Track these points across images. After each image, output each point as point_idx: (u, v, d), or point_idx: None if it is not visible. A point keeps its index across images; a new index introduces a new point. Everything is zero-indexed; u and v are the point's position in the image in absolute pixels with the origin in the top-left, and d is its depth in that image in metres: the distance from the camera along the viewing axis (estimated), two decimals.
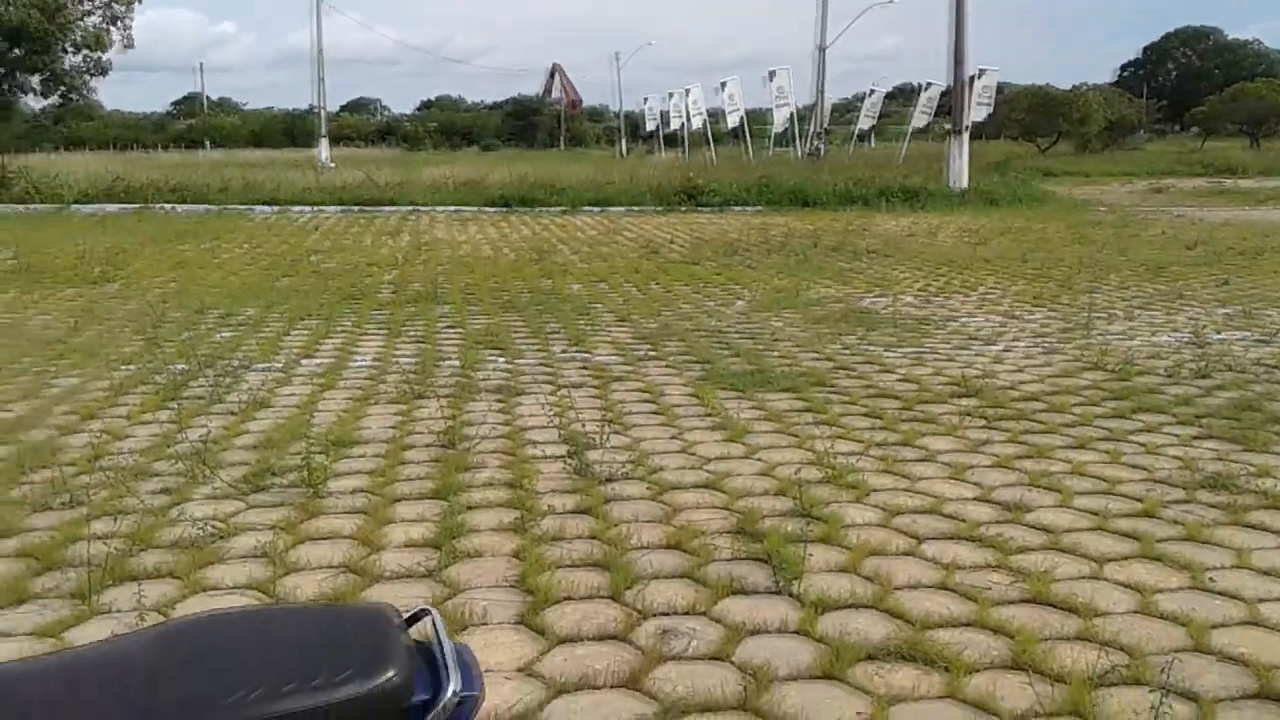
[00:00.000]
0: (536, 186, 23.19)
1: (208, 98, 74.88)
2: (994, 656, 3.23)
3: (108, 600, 3.62)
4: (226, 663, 1.59)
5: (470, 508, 4.49)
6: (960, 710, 2.94)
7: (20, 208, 19.68)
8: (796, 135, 39.13)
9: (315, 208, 20.83)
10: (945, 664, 3.15)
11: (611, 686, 3.07)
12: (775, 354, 7.71)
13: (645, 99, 49.72)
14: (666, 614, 3.52)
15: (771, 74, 36.53)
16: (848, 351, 7.82)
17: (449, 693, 1.65)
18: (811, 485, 4.71)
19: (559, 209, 21.59)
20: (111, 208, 19.76)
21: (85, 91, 19.95)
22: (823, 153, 36.66)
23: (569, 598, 3.63)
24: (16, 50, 18.05)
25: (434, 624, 1.81)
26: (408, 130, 72.04)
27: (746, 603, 3.59)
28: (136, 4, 20.25)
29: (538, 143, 68.88)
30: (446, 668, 1.69)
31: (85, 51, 19.60)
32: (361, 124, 74.69)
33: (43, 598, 3.66)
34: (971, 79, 24.67)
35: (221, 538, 4.15)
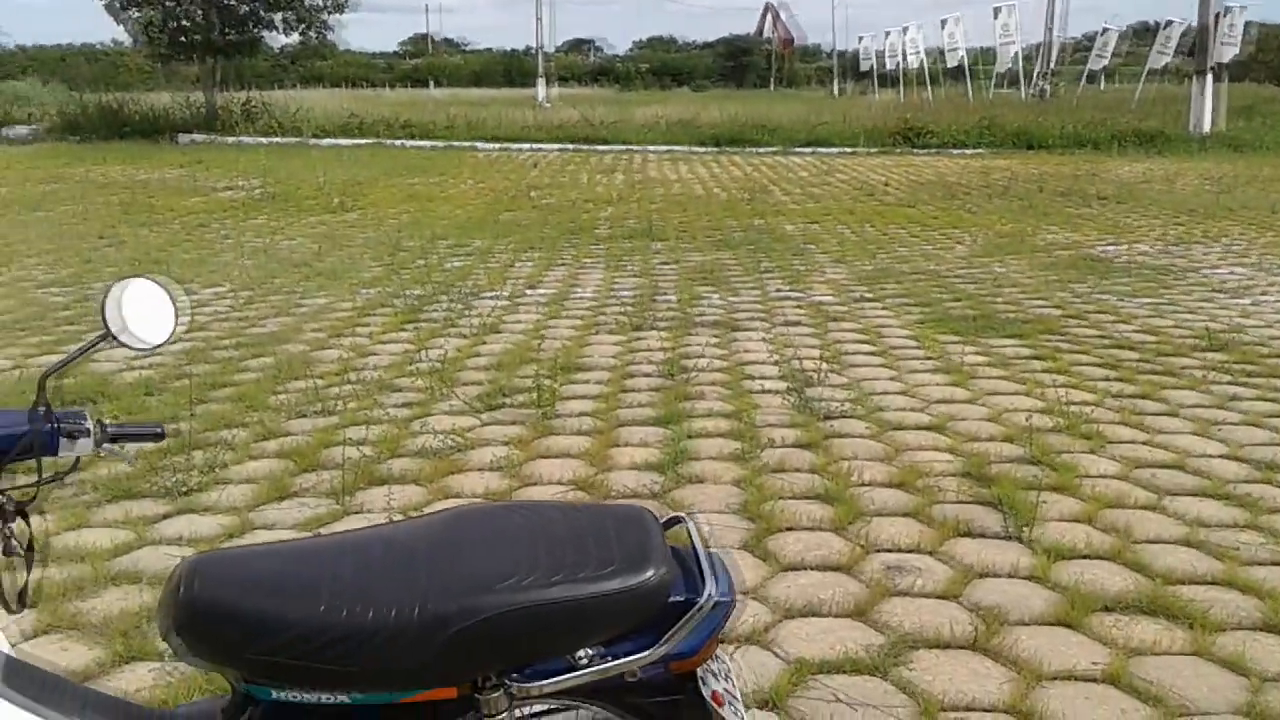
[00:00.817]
0: (748, 127, 23.00)
1: (433, 39, 77.50)
2: (1243, 617, 3.07)
3: (360, 501, 3.89)
4: (501, 549, 1.69)
5: (691, 436, 4.57)
6: (1207, 667, 2.82)
7: (264, 140, 21.01)
8: (1022, 76, 37.21)
9: (534, 145, 21.36)
10: (1190, 621, 3.02)
11: (838, 615, 3.09)
12: (1000, 300, 7.45)
13: (861, 38, 48.31)
14: (892, 550, 3.50)
15: (997, 10, 34.71)
16: (1079, 300, 7.47)
17: (707, 596, 1.71)
18: (1043, 433, 4.56)
19: (771, 150, 21.36)
20: (346, 142, 20.83)
21: (324, 29, 20.99)
22: (1050, 94, 34.77)
23: (792, 528, 3.67)
24: None
25: (690, 530, 1.87)
26: (620, 71, 72.61)
27: (975, 545, 3.53)
28: None
29: (748, 83, 68.11)
30: (705, 572, 1.75)
31: None
32: (577, 65, 75.81)
33: (302, 495, 3.97)
34: (1218, 16, 22.77)
35: (460, 450, 4.38)
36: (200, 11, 20.07)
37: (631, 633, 1.70)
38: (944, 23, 35.96)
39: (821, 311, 7.04)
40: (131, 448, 1.80)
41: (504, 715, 1.70)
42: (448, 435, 4.50)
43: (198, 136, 20.83)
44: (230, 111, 21.95)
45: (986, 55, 40.58)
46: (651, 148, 21.58)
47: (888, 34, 41.20)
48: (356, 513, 3.80)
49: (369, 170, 15.86)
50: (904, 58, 37.35)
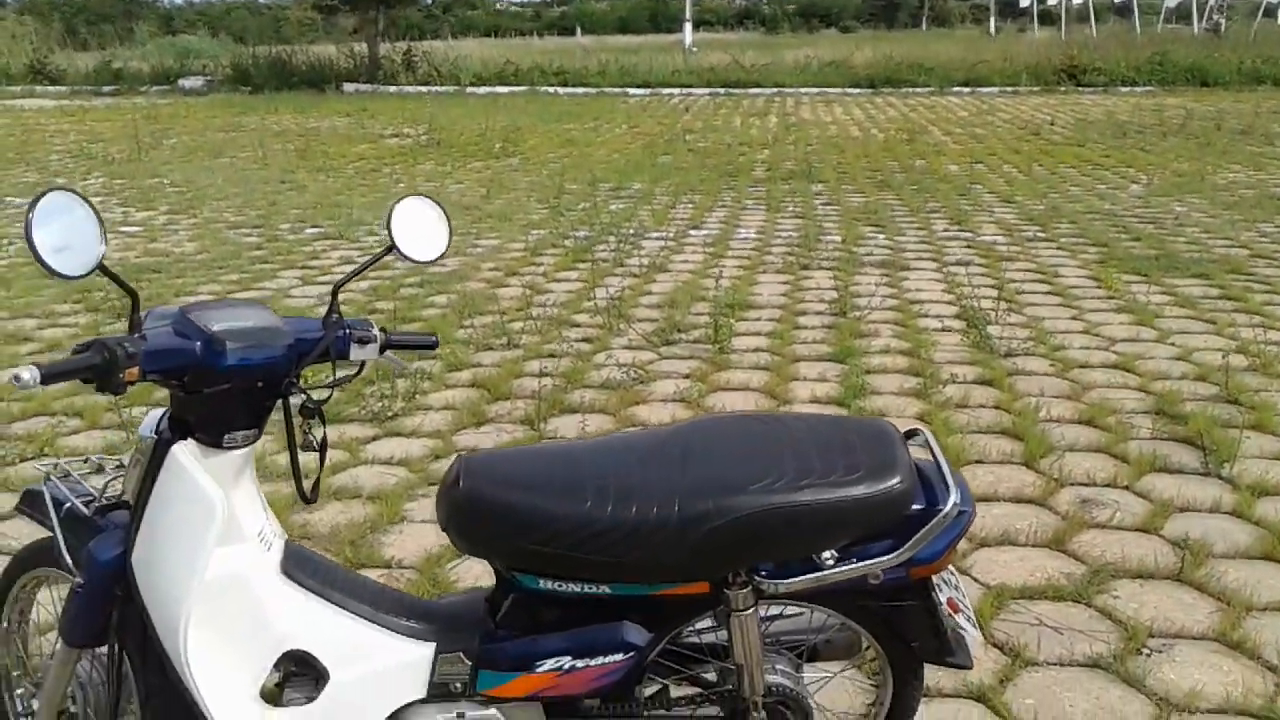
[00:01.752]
0: (902, 66, 22.39)
1: None
2: None
3: (553, 427, 4.07)
4: (751, 454, 1.78)
5: (869, 371, 4.60)
6: None
7: (424, 89, 21.51)
8: (1194, 10, 35.09)
9: (684, 90, 21.29)
10: None
11: (1034, 545, 3.10)
12: (1181, 240, 7.17)
13: None
14: (1086, 484, 3.48)
15: None
16: (1266, 240, 7.13)
17: (950, 504, 1.77)
18: (1238, 372, 4.42)
19: (927, 90, 20.79)
20: (502, 90, 21.17)
21: None
22: (1224, 29, 32.69)
23: (981, 461, 3.68)
24: None
25: (929, 442, 1.93)
26: (765, 14, 71.36)
27: (1172, 480, 3.48)
28: None
29: (899, 23, 66.06)
30: (947, 481, 1.81)
31: None
32: (721, 8, 74.85)
33: (497, 421, 4.16)
34: None
35: (642, 382, 4.51)
36: None
37: (874, 537, 1.78)
38: None
39: (993, 251, 6.91)
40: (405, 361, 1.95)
41: (749, 611, 1.81)
42: (629, 368, 4.64)
43: (362, 86, 21.46)
44: (391, 61, 22.53)
45: None
46: (803, 90, 21.26)
47: None
48: (551, 437, 3.97)
49: (526, 117, 16.12)
50: None
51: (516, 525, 1.74)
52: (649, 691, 1.97)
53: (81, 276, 1.53)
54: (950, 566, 1.94)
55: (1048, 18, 40.45)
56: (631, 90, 21.36)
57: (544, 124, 15.20)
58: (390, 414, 4.18)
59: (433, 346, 2.01)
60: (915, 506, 1.78)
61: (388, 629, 1.87)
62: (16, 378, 1.42)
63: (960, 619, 1.89)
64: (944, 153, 11.84)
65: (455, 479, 1.78)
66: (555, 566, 1.78)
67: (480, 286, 6.18)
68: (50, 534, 1.84)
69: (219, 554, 1.71)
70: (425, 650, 1.87)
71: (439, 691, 1.88)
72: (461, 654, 1.87)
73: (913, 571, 1.80)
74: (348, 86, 21.42)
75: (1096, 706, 2.39)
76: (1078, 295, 5.80)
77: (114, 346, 1.49)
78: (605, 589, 1.80)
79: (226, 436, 1.68)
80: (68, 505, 1.85)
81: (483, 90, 21.26)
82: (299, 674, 1.89)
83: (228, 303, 1.73)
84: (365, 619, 1.86)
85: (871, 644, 1.99)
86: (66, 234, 1.49)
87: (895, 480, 1.74)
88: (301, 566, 1.86)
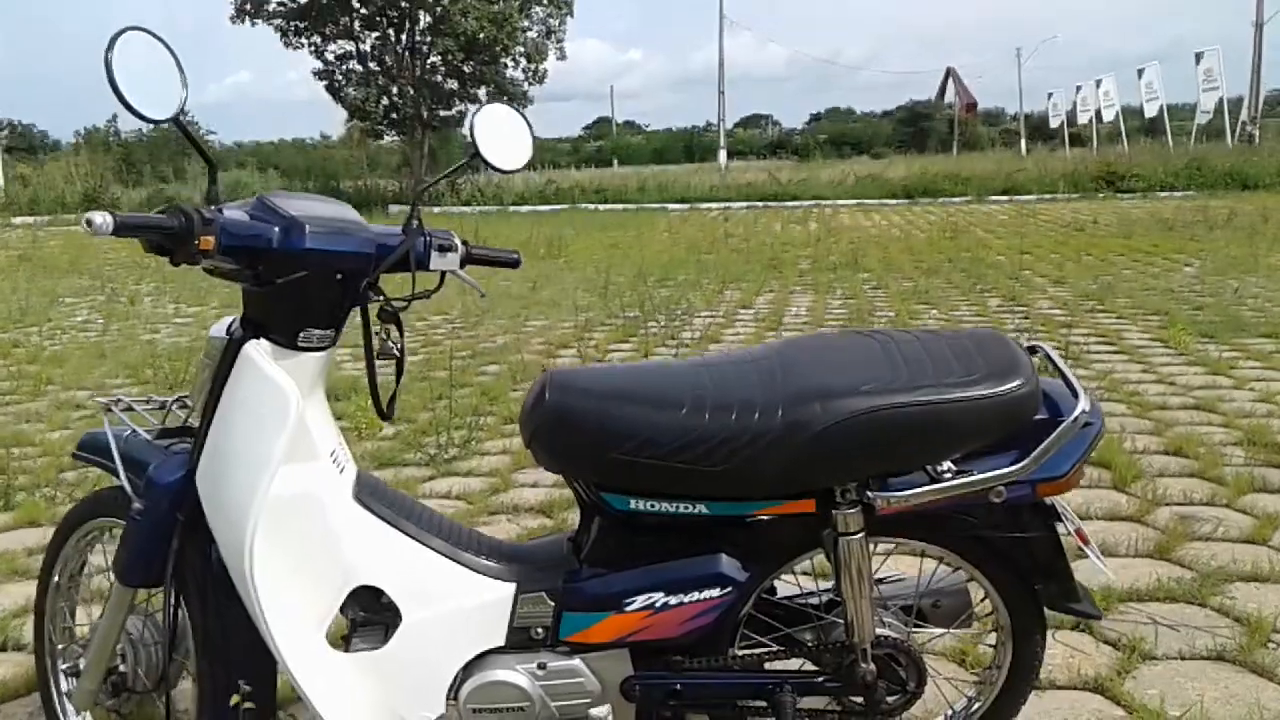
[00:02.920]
0: (939, 178, 22.64)
1: (615, 122, 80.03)
2: None
3: None
4: (860, 360, 1.65)
5: None
6: None
7: (468, 209, 21.95)
8: (1228, 126, 35.36)
9: (723, 204, 21.58)
10: None
11: (1137, 555, 2.91)
12: (1245, 308, 7.01)
13: (1050, 94, 46.97)
14: (1183, 504, 3.29)
15: (1199, 56, 33.33)
16: None
17: (1079, 410, 1.63)
18: None
19: (964, 199, 20.95)
20: (544, 208, 21.56)
21: (524, 102, 21.89)
22: (1258, 140, 32.87)
23: None
24: (470, 62, 20.21)
25: (1050, 356, 1.79)
26: (798, 143, 72.94)
27: (1274, 499, 3.28)
28: (569, 17, 22.05)
29: (929, 148, 67.16)
30: (1076, 390, 1.67)
31: (524, 63, 21.56)
32: (753, 139, 76.64)
33: None
34: None
35: None
36: (411, 89, 21.29)
37: (995, 449, 1.63)
38: (1140, 72, 34.75)
39: (1051, 320, 6.78)
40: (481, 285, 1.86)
41: (858, 537, 1.65)
42: None
43: (407, 208, 21.97)
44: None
45: (1183, 113, 38.80)
46: (841, 201, 21.49)
47: (1078, 88, 40.01)
48: None
49: (569, 228, 16.34)
50: (1098, 115, 36.09)
51: (607, 434, 1.62)
52: (742, 651, 1.81)
53: (164, 121, 1.46)
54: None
55: (1078, 139, 40.87)
56: (670, 205, 21.69)
57: (587, 233, 15.39)
58: (447, 458, 4.08)
59: (515, 264, 1.92)
60: (1040, 416, 1.64)
61: (466, 566, 1.73)
62: (89, 221, 1.35)
63: (1091, 552, 1.73)
64: (989, 246, 11.81)
65: (541, 391, 1.67)
66: (647, 480, 1.64)
67: (533, 357, 6.11)
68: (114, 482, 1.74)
69: (290, 471, 1.60)
70: (505, 590, 1.72)
71: (518, 640, 1.73)
72: (544, 594, 1.72)
73: (1039, 489, 1.65)
74: (393, 208, 21.92)
75: (1227, 694, 2.18)
76: (1146, 353, 5.65)
77: (191, 211, 1.42)
78: (702, 508, 1.66)
79: (302, 335, 1.58)
80: (129, 433, 1.75)
81: (525, 209, 21.67)
82: (368, 622, 1.75)
83: (309, 195, 1.66)
84: (442, 554, 1.73)
85: (988, 592, 1.82)
86: (146, 76, 1.43)
87: (1019, 381, 1.60)
88: (375, 495, 1.74)
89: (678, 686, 1.74)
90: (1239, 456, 3.71)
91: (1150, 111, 34.27)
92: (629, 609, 1.69)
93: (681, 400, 1.62)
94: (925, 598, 1.88)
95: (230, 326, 1.63)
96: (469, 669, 1.72)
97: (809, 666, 1.80)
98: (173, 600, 1.67)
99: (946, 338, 1.73)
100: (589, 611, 1.71)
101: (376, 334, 1.68)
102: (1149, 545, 2.95)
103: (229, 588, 1.63)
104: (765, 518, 1.70)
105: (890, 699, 1.78)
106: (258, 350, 1.57)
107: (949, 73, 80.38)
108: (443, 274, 1.77)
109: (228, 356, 1.59)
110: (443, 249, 1.73)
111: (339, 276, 1.59)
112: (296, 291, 1.55)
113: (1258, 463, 3.64)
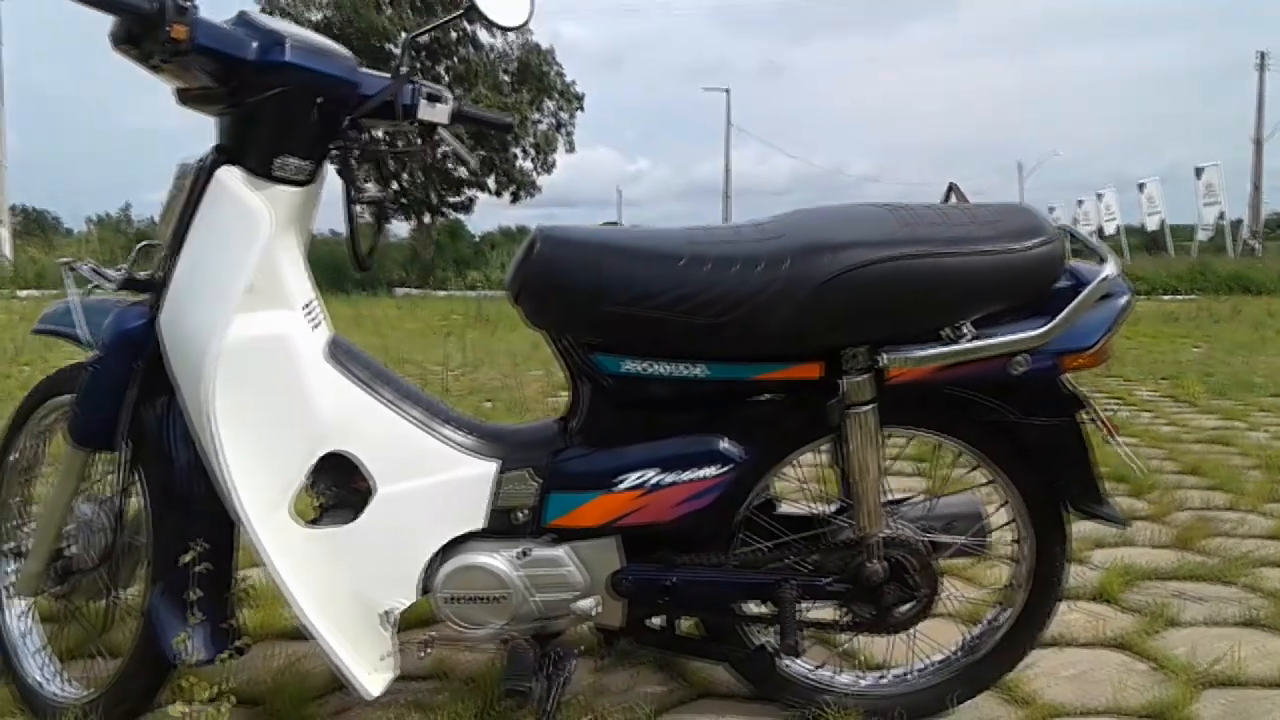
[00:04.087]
0: None
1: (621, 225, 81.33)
2: None
3: None
4: (872, 217, 1.56)
5: None
6: None
7: (471, 293, 22.02)
8: (1229, 243, 35.66)
9: None
10: None
11: (1156, 546, 2.77)
12: (1256, 375, 6.91)
13: (1052, 209, 47.62)
14: (1202, 508, 3.15)
15: (1199, 170, 33.84)
16: None
17: (1107, 271, 1.53)
18: None
19: None
20: None
21: (534, 190, 22.12)
22: (1259, 251, 33.16)
23: None
24: (480, 150, 20.46)
25: (1074, 232, 1.69)
26: None
27: None
28: (579, 111, 22.42)
29: None
30: (1102, 257, 1.58)
31: (533, 155, 21.82)
32: None
33: None
34: None
35: None
36: (421, 176, 21.52)
37: (1017, 314, 1.53)
38: (1141, 186, 35.25)
39: None
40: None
41: (869, 408, 1.54)
42: None
43: (413, 290, 22.03)
44: (443, 268, 23.22)
45: (1179, 231, 39.13)
46: None
47: (1080, 202, 40.50)
48: None
49: None
50: (1100, 229, 36.47)
51: (601, 286, 1.52)
52: (742, 551, 1.68)
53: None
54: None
55: (1079, 253, 41.20)
56: None
57: None
58: None
59: (509, 127, 1.85)
60: (1065, 284, 1.54)
61: (446, 440, 1.61)
62: None
63: (1118, 446, 1.61)
64: None
65: (531, 245, 1.57)
66: (643, 337, 1.54)
67: (532, 393, 6.01)
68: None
69: (258, 316, 1.49)
70: (487, 468, 1.60)
71: (500, 523, 1.60)
72: (529, 472, 1.60)
73: (1064, 361, 1.54)
74: (399, 290, 22.00)
75: (1262, 652, 2.03)
76: (1157, 406, 5.53)
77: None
78: (700, 369, 1.55)
79: (277, 162, 1.49)
80: (92, 286, 1.65)
81: None
82: (339, 502, 1.62)
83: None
84: (421, 424, 1.61)
85: (1007, 495, 1.70)
86: None
87: (1042, 237, 1.51)
88: (351, 357, 1.64)
89: (670, 582, 1.61)
90: (1258, 473, 3.58)
91: (1152, 225, 34.61)
92: (619, 488, 1.57)
93: (680, 253, 1.52)
94: (937, 519, 1.75)
95: (202, 156, 1.54)
96: (445, 553, 1.59)
97: (813, 569, 1.66)
98: (127, 456, 1.56)
99: (967, 206, 1.64)
100: (577, 491, 1.58)
101: (356, 175, 1.58)
102: (1169, 538, 2.82)
103: (188, 442, 1.51)
104: (767, 396, 1.59)
105: (902, 608, 1.65)
106: (230, 174, 1.49)
107: (951, 187, 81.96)
108: (433, 132, 1.68)
109: (198, 184, 1.50)
110: (432, 99, 1.66)
111: (319, 100, 1.50)
112: (273, 112, 1.47)
113: (1278, 481, 3.51)
